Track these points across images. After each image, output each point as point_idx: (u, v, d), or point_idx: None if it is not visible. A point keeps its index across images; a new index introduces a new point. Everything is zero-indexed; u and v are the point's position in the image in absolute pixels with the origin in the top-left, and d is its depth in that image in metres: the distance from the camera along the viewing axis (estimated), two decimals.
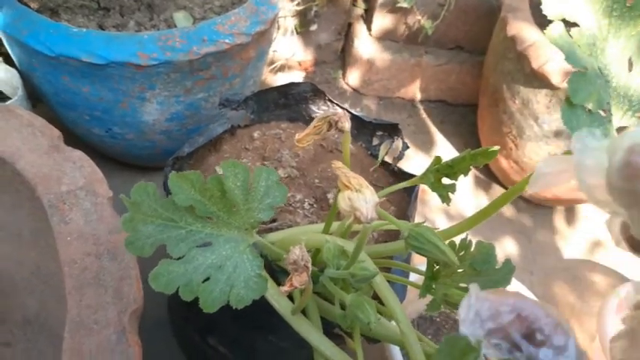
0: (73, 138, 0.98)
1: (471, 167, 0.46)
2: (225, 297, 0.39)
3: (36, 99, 1.01)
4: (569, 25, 0.42)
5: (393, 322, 0.42)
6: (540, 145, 1.07)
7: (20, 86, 0.92)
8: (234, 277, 0.40)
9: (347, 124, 0.42)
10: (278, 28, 1.38)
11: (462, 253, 0.39)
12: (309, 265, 0.35)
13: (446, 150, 1.41)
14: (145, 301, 0.50)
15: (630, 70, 0.42)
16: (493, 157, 0.43)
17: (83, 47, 0.77)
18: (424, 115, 1.49)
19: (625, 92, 0.42)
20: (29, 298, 0.61)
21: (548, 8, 0.40)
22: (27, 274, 0.60)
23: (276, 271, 0.50)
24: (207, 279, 0.39)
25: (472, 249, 0.39)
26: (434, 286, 0.42)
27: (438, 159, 0.45)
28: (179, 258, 0.40)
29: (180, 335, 0.80)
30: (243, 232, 0.42)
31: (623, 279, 1.18)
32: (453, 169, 0.46)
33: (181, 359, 0.82)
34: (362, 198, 0.32)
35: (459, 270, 0.41)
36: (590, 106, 0.38)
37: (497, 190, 1.34)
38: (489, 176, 1.36)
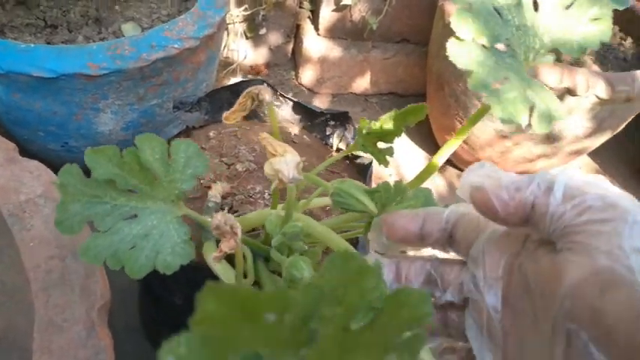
0: (28, 155, 0.97)
1: (405, 131, 0.48)
2: (151, 263, 0.40)
3: None
4: None
5: None
6: (486, 122, 1.12)
7: None
8: (160, 244, 0.40)
9: (267, 96, 0.44)
10: (227, 34, 1.40)
11: (399, 198, 0.38)
12: (238, 230, 0.37)
13: (400, 139, 1.45)
14: (116, 307, 0.51)
15: (536, 10, 0.42)
16: (422, 114, 0.43)
17: (32, 62, 0.77)
18: (377, 108, 1.54)
19: (534, 32, 0.41)
20: None
21: None
22: None
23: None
24: (134, 247, 0.40)
25: (408, 193, 0.38)
26: None
27: (363, 122, 0.46)
28: (106, 231, 0.40)
29: (151, 338, 0.81)
30: (170, 203, 0.43)
31: None
32: (383, 131, 0.47)
33: None
34: (283, 160, 0.34)
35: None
36: (483, 41, 0.38)
37: (451, 172, 1.39)
38: None
